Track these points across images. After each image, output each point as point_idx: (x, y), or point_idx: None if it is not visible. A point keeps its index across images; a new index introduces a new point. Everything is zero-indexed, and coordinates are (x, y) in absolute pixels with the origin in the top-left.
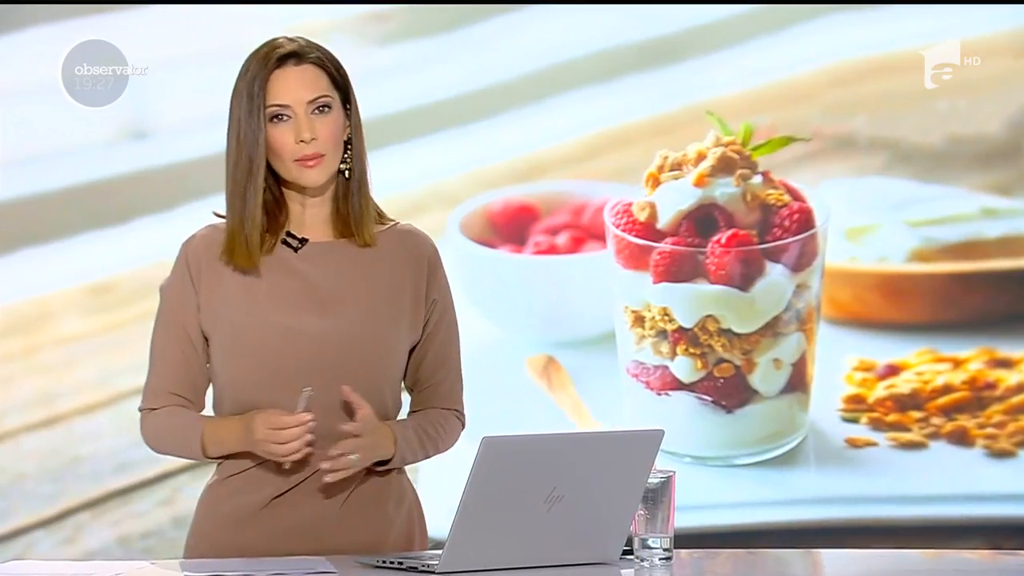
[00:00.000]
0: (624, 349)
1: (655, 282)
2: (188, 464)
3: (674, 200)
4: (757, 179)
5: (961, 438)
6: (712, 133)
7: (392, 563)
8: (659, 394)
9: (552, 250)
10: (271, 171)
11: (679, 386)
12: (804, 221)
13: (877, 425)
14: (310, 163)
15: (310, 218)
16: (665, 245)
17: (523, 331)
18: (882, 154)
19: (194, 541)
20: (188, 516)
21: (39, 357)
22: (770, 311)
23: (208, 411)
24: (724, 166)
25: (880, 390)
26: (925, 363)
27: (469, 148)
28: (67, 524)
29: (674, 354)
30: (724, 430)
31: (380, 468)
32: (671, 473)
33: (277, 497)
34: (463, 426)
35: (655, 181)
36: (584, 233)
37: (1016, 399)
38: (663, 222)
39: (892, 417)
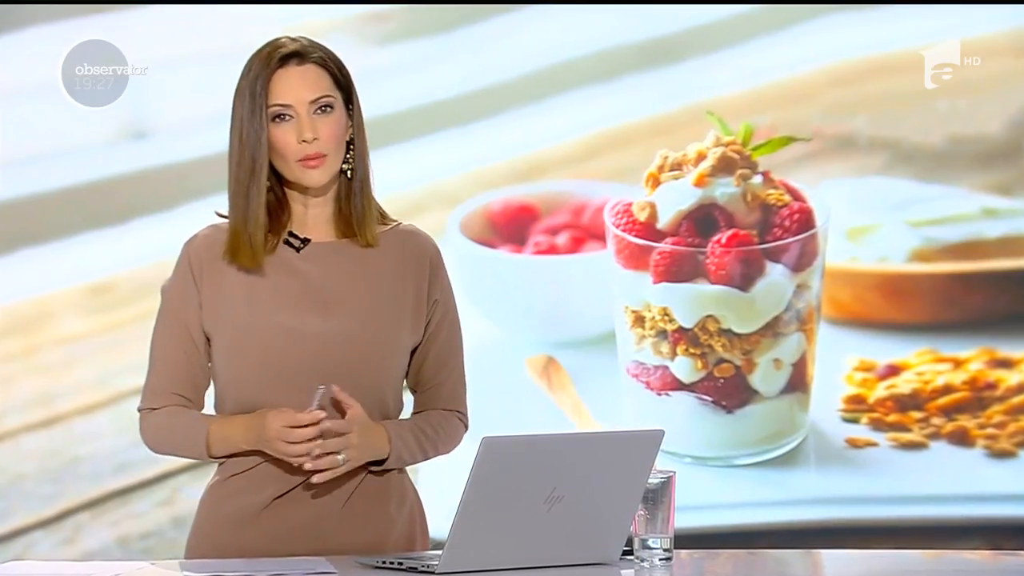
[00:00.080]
0: (624, 349)
1: (655, 282)
2: (188, 464)
3: (674, 200)
4: (757, 179)
5: (962, 438)
6: (712, 133)
7: (392, 563)
8: (659, 394)
9: (552, 250)
10: (273, 171)
11: (679, 386)
12: (804, 221)
13: (877, 425)
14: (312, 163)
15: (312, 218)
16: (665, 245)
17: (523, 331)
18: (882, 154)
19: (195, 541)
20: (188, 516)
21: (38, 357)
22: (770, 311)
23: (207, 411)
24: (724, 166)
25: (880, 390)
26: (926, 363)
27: (469, 148)
28: (66, 524)
29: (674, 354)
30: (724, 430)
31: (376, 468)
32: (671, 473)
33: (279, 497)
34: (466, 428)
35: (655, 181)
36: (584, 233)
37: (1017, 399)
38: (663, 222)
39: (892, 417)
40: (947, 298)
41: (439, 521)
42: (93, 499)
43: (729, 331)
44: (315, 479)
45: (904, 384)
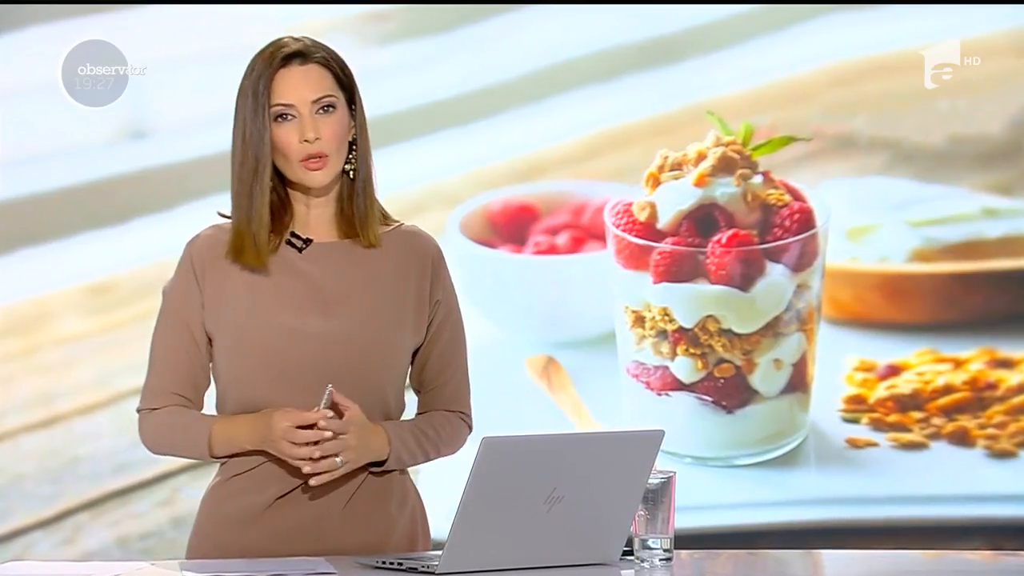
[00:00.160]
0: (624, 349)
1: (655, 282)
2: (187, 464)
3: (674, 200)
4: (757, 179)
5: (962, 438)
6: (712, 133)
7: (392, 564)
8: (659, 394)
9: (552, 250)
10: (275, 171)
11: (679, 386)
12: (805, 221)
13: (878, 425)
14: (314, 164)
15: (314, 218)
16: (665, 245)
17: (523, 331)
18: (883, 154)
19: (196, 541)
20: (187, 517)
21: (38, 357)
22: (771, 311)
23: (207, 411)
24: (724, 166)
25: (881, 390)
26: (926, 363)
27: (469, 148)
28: (66, 525)
29: (674, 354)
30: (724, 430)
31: (377, 469)
32: (671, 473)
33: (281, 497)
34: (470, 429)
35: (655, 181)
36: (584, 233)
37: (1017, 399)
38: (663, 222)
39: (893, 417)
40: (947, 298)
41: (440, 521)
42: (93, 499)
43: (729, 331)
44: (312, 482)
45: (904, 384)
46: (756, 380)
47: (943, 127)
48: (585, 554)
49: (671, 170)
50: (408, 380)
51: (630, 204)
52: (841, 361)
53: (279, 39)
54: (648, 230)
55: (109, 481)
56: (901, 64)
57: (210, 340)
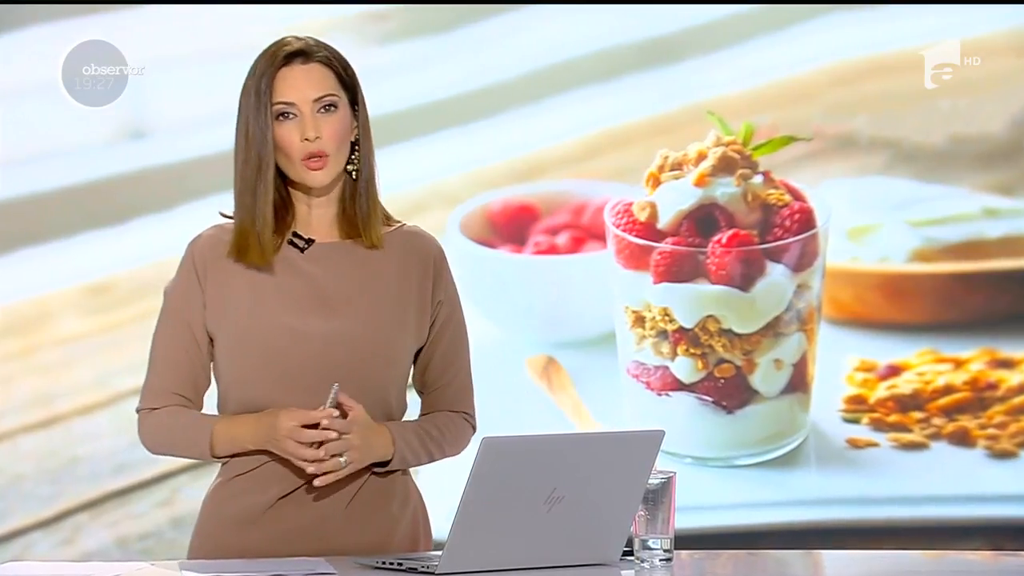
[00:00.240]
0: (624, 349)
1: (655, 282)
2: (187, 465)
3: (675, 200)
4: (758, 179)
5: (962, 439)
6: (713, 133)
7: (392, 564)
8: (659, 395)
9: (552, 250)
10: (277, 170)
11: (679, 386)
12: (805, 221)
13: (878, 426)
14: (315, 164)
15: (316, 218)
16: (666, 245)
17: (523, 331)
18: (883, 154)
19: (198, 542)
20: (187, 517)
21: (37, 357)
22: (771, 311)
23: (206, 412)
24: (725, 166)
25: (881, 390)
26: (926, 363)
27: (469, 148)
28: (65, 525)
29: (675, 354)
30: (725, 431)
31: (380, 469)
32: (671, 474)
33: (282, 498)
34: (474, 429)
35: (655, 181)
36: (584, 233)
37: (1018, 400)
38: (663, 222)
39: (893, 418)
40: (948, 298)
41: (440, 522)
42: (92, 500)
43: (729, 331)
44: (316, 482)
45: (905, 384)
46: (756, 380)
47: (944, 127)
48: (585, 554)
49: (671, 170)
50: (411, 381)
51: (630, 204)
52: (841, 361)
53: (283, 38)
54: (648, 230)
55: (108, 481)
56: (901, 64)
57: (211, 340)
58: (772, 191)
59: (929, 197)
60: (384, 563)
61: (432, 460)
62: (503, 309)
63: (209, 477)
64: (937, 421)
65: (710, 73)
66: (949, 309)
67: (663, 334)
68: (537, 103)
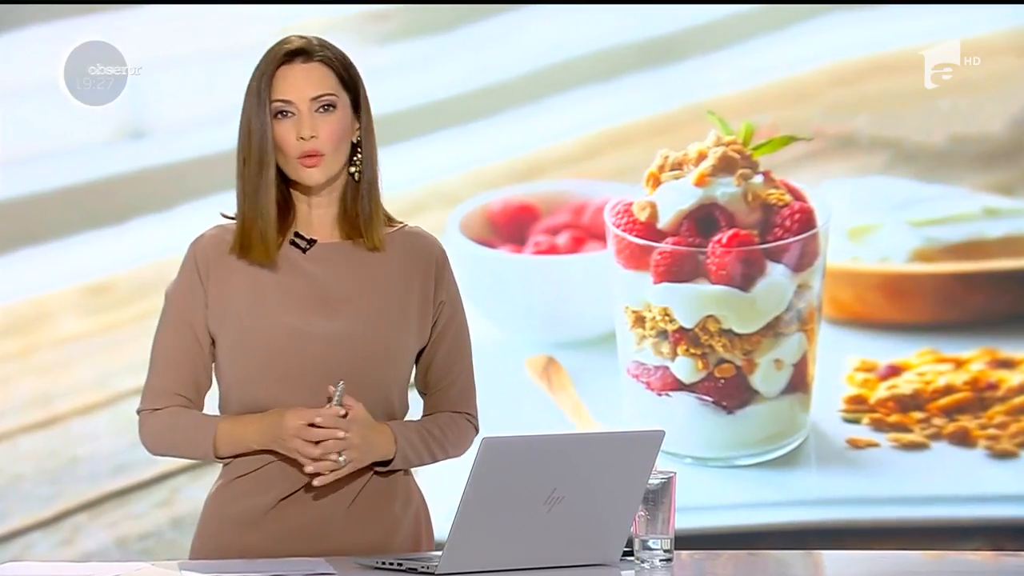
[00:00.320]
0: (624, 349)
1: (656, 282)
2: (186, 465)
3: (675, 200)
4: (758, 179)
5: (963, 439)
6: (713, 132)
7: (391, 564)
8: (660, 395)
9: (552, 250)
10: (280, 170)
11: (680, 387)
12: (805, 221)
13: (878, 426)
14: (309, 162)
15: (317, 218)
16: (666, 245)
17: (523, 331)
18: (884, 154)
19: (200, 543)
20: (186, 517)
21: (37, 357)
22: (771, 311)
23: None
24: (725, 166)
25: (882, 391)
26: (927, 363)
27: (469, 148)
28: (65, 525)
29: (675, 354)
30: (725, 431)
31: (382, 469)
32: (672, 474)
33: (285, 499)
34: (476, 430)
35: (656, 181)
36: (584, 233)
37: (1018, 400)
38: (664, 222)
39: (894, 418)
40: (948, 298)
41: (441, 522)
42: (91, 500)
43: (730, 331)
44: (316, 482)
45: (905, 384)
46: (757, 380)
47: (944, 127)
48: (585, 555)
49: (671, 170)
50: (413, 383)
51: (630, 204)
52: (842, 361)
53: (287, 37)
54: (648, 230)
55: (108, 482)
56: (902, 64)
57: (213, 341)
58: (772, 191)
59: (929, 197)
60: (384, 563)
61: (435, 461)
62: (503, 309)
63: (209, 477)
64: (938, 421)
65: (710, 73)
66: (950, 309)
67: (663, 334)
68: (537, 103)
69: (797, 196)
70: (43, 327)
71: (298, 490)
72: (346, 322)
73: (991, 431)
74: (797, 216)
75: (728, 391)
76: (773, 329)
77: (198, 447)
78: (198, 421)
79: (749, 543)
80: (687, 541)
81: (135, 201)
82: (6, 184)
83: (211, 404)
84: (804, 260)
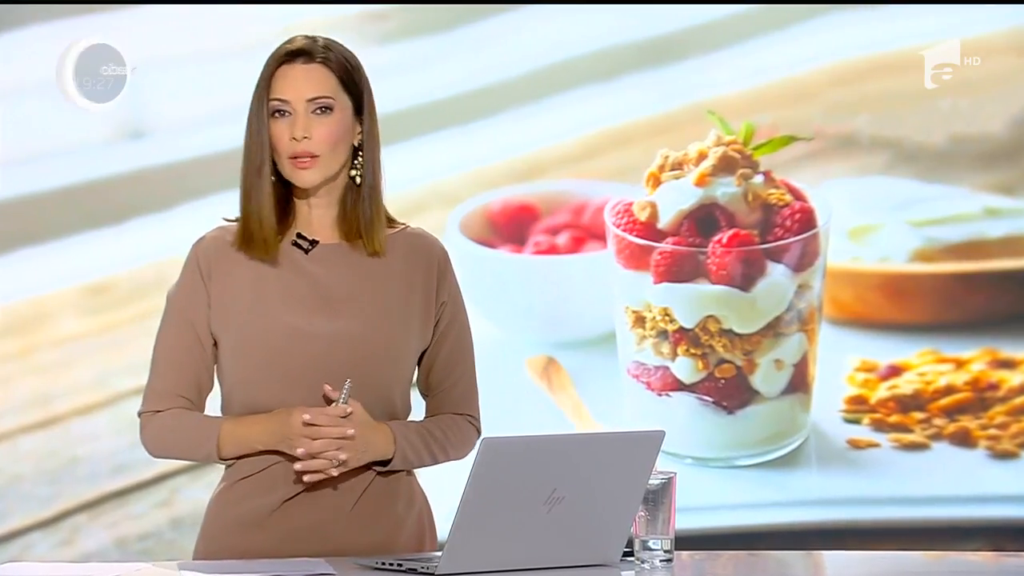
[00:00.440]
0: (625, 350)
1: (656, 282)
2: (186, 466)
3: (675, 200)
4: (758, 179)
5: (963, 439)
6: (713, 132)
7: (392, 564)
8: (660, 395)
9: (552, 250)
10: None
11: (680, 387)
12: (806, 221)
13: (879, 426)
14: (301, 163)
15: (317, 219)
16: (666, 245)
17: (523, 331)
18: (884, 154)
19: (203, 545)
20: (186, 518)
21: (36, 358)
22: (771, 311)
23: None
24: (725, 165)
25: (882, 391)
26: (927, 364)
27: (469, 148)
28: (64, 526)
29: (675, 355)
30: (725, 431)
31: (381, 469)
32: (672, 474)
33: (288, 500)
34: (478, 432)
35: (656, 181)
36: (584, 233)
37: (1019, 400)
38: (664, 222)
39: (894, 418)
40: (949, 298)
41: (442, 522)
42: (91, 500)
43: (730, 331)
44: (307, 479)
45: (906, 385)
46: (757, 380)
47: (944, 127)
48: (585, 555)
49: (672, 170)
50: (415, 384)
51: (630, 204)
52: (842, 361)
53: (294, 36)
54: (649, 230)
55: (107, 482)
56: (902, 64)
57: (215, 342)
58: (773, 191)
59: (930, 197)
60: (384, 563)
61: (436, 462)
62: (503, 309)
63: (209, 478)
64: (938, 421)
65: (710, 73)
66: (950, 309)
67: (663, 334)
68: (537, 103)
69: (797, 196)
70: (43, 327)
71: (302, 491)
72: (348, 322)
73: (992, 431)
74: (797, 216)
75: (728, 391)
76: (773, 329)
77: (201, 448)
78: (201, 422)
79: (749, 543)
80: (687, 541)
81: (134, 201)
82: (6, 184)
83: (212, 406)
84: (804, 260)
